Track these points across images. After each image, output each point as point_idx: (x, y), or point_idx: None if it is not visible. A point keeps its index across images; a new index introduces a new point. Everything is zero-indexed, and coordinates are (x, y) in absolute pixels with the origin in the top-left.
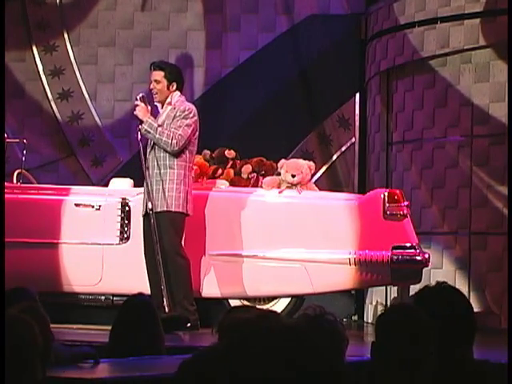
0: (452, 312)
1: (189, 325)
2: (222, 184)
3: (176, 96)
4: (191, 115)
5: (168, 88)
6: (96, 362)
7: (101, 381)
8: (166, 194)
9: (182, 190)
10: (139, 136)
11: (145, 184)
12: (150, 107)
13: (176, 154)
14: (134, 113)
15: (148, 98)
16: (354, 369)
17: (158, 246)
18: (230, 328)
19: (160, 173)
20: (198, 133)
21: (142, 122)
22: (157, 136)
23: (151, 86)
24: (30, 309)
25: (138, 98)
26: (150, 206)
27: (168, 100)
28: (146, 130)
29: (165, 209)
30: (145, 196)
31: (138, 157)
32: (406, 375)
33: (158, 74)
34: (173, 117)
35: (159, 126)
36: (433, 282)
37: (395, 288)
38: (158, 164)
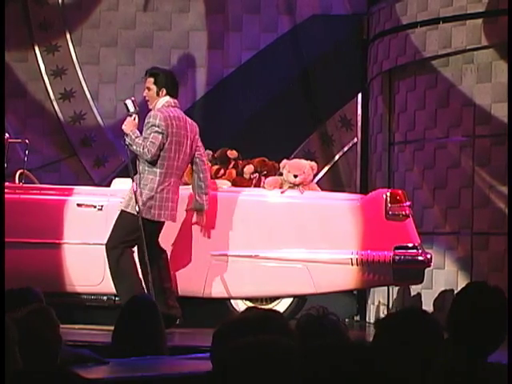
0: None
1: (178, 322)
2: (224, 184)
3: (161, 102)
4: (157, 122)
5: (158, 94)
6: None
7: (103, 381)
8: (129, 195)
9: (145, 194)
10: (126, 147)
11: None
12: (136, 119)
13: (148, 161)
14: (123, 126)
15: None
16: None
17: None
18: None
19: (138, 177)
20: (175, 138)
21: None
22: (134, 148)
23: (144, 93)
24: (39, 311)
25: (129, 101)
26: (136, 209)
27: (154, 106)
28: (128, 142)
29: (122, 208)
30: None
31: (127, 166)
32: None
33: (149, 81)
34: (145, 124)
35: (137, 137)
36: (435, 283)
37: (397, 288)
38: (137, 169)
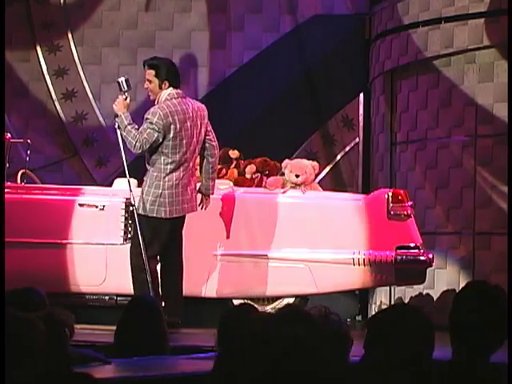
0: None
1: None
2: (226, 184)
3: (165, 95)
4: (154, 120)
5: (160, 87)
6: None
7: (105, 381)
8: (140, 194)
9: (152, 193)
10: (115, 129)
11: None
12: (128, 99)
13: (151, 157)
14: (113, 105)
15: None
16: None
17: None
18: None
19: (147, 175)
20: (179, 133)
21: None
22: (124, 134)
23: (145, 86)
24: (47, 316)
25: (122, 79)
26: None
27: (158, 99)
28: (118, 125)
29: (135, 209)
30: None
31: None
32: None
33: (150, 74)
34: (144, 118)
35: (129, 124)
36: (437, 283)
37: (399, 288)
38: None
